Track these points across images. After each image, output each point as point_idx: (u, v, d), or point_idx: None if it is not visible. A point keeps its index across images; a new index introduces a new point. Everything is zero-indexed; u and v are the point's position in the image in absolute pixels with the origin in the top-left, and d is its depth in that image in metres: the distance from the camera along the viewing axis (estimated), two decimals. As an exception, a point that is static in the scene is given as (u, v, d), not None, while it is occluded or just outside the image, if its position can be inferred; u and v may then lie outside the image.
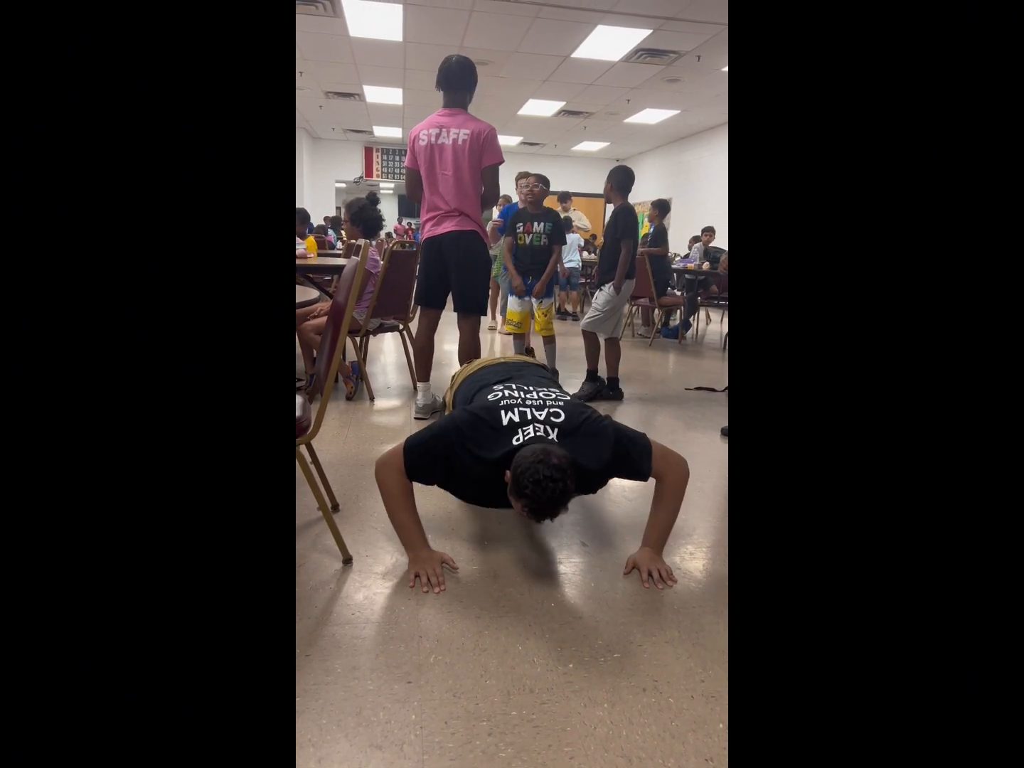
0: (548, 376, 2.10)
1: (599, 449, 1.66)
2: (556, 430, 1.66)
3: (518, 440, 1.62)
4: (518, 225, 3.82)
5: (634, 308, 6.60)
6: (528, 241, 3.78)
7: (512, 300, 3.91)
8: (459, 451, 1.63)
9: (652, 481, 1.78)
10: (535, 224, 3.76)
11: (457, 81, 2.87)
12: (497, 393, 1.79)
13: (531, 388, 1.83)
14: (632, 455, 1.70)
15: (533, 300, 3.82)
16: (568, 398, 1.81)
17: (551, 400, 1.76)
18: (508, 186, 5.06)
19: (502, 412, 1.70)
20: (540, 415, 1.69)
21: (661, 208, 5.97)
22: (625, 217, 3.53)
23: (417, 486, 1.71)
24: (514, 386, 1.83)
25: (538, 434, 1.63)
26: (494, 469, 1.62)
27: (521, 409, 1.71)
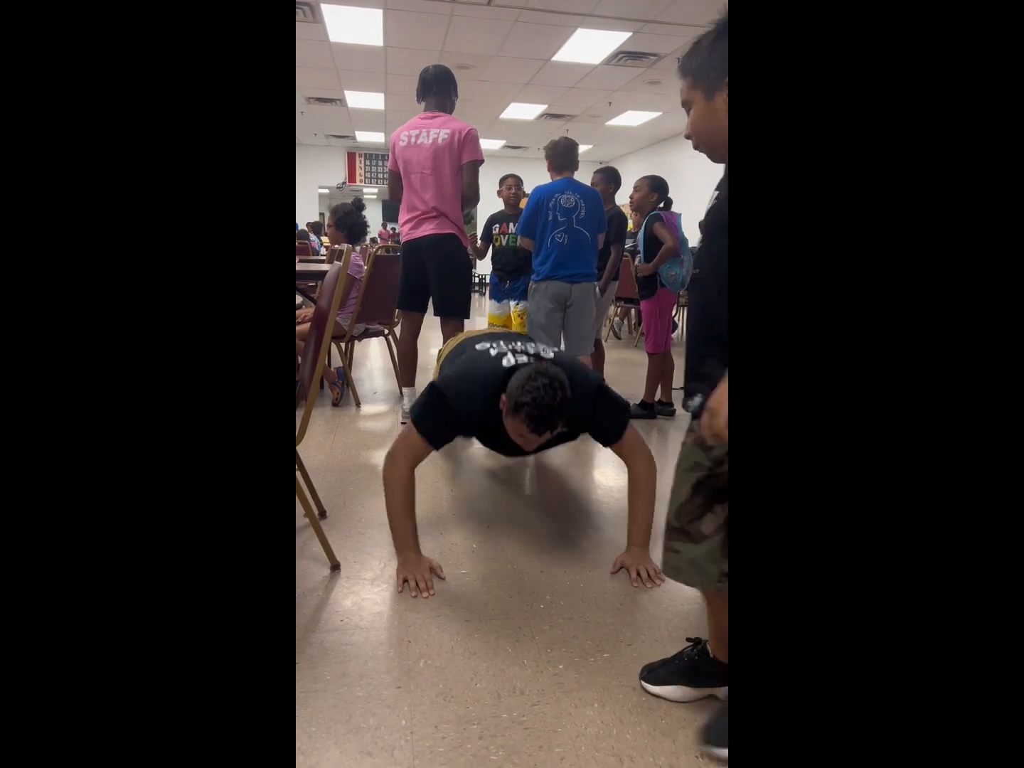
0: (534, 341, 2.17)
1: (585, 385, 1.73)
2: (545, 363, 1.73)
3: (508, 362, 1.70)
4: (494, 226, 3.81)
5: (618, 309, 6.63)
6: (504, 243, 3.78)
7: (492, 304, 3.92)
8: (457, 389, 1.68)
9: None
10: (511, 225, 3.76)
11: (437, 87, 2.88)
12: (484, 344, 1.87)
13: (518, 341, 1.92)
14: (608, 409, 1.77)
15: (511, 303, 3.82)
16: (557, 350, 1.93)
17: (541, 349, 1.86)
18: (490, 189, 5.05)
19: (490, 349, 1.79)
20: (531, 349, 1.80)
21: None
22: (619, 221, 3.56)
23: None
24: (501, 341, 1.91)
25: (529, 361, 1.71)
26: (492, 394, 1.66)
27: (511, 346, 1.80)
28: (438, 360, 2.24)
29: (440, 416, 1.69)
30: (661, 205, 3.40)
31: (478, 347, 1.86)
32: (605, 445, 1.80)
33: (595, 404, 1.73)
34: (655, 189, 3.35)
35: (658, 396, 3.46)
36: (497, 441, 1.82)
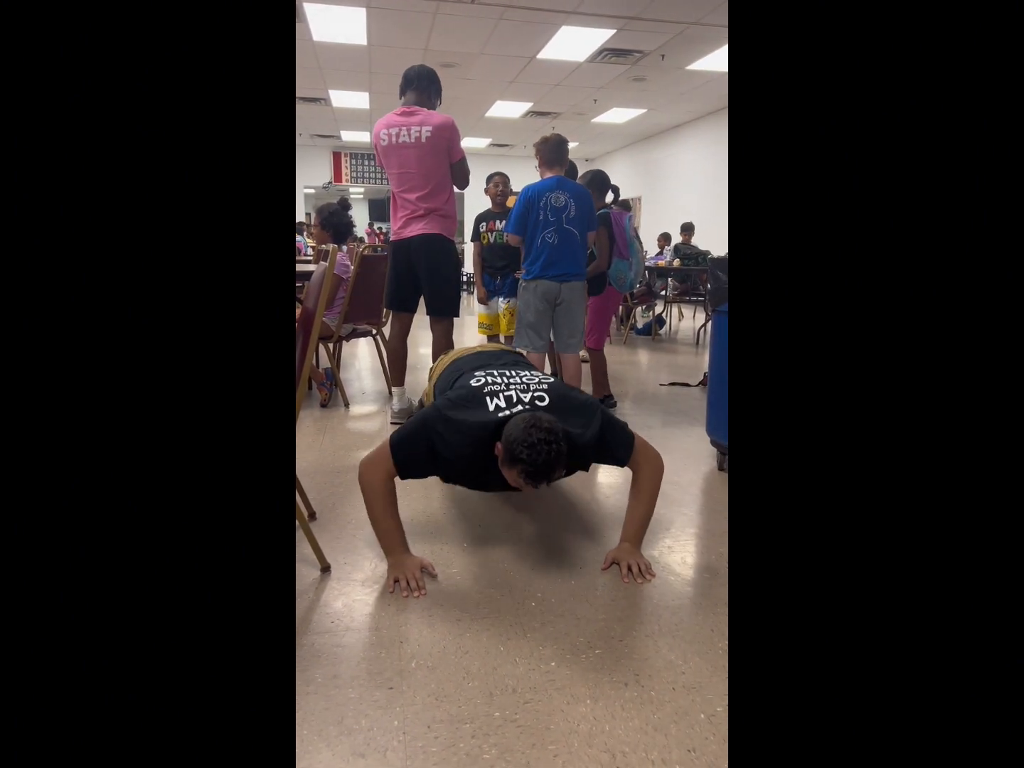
0: (525, 362, 2.11)
1: (586, 423, 1.69)
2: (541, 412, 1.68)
3: (503, 415, 1.63)
4: (481, 225, 3.81)
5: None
6: (492, 240, 3.77)
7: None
8: (446, 437, 1.62)
9: (629, 474, 1.80)
10: (498, 222, 3.75)
11: (418, 82, 2.87)
12: (480, 379, 1.78)
13: (512, 372, 1.84)
14: (613, 439, 1.73)
15: (500, 300, 3.81)
16: (552, 381, 1.83)
17: (535, 384, 1.78)
18: (477, 189, 5.04)
19: (487, 398, 1.70)
20: (525, 398, 1.70)
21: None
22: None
23: (400, 487, 1.70)
24: (495, 372, 1.84)
25: (525, 409, 1.64)
26: (483, 447, 1.61)
27: (507, 394, 1.71)
28: (430, 380, 2.19)
29: (420, 454, 1.64)
30: (610, 199, 3.39)
31: (473, 383, 1.76)
32: (620, 467, 1.79)
33: (600, 433, 1.69)
34: (588, 186, 3.33)
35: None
36: (479, 483, 1.80)
